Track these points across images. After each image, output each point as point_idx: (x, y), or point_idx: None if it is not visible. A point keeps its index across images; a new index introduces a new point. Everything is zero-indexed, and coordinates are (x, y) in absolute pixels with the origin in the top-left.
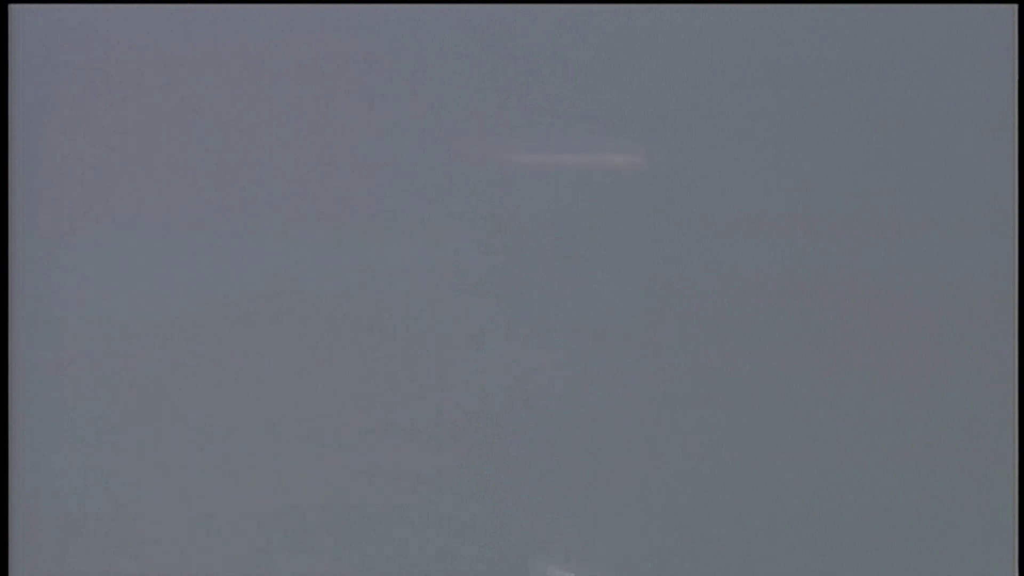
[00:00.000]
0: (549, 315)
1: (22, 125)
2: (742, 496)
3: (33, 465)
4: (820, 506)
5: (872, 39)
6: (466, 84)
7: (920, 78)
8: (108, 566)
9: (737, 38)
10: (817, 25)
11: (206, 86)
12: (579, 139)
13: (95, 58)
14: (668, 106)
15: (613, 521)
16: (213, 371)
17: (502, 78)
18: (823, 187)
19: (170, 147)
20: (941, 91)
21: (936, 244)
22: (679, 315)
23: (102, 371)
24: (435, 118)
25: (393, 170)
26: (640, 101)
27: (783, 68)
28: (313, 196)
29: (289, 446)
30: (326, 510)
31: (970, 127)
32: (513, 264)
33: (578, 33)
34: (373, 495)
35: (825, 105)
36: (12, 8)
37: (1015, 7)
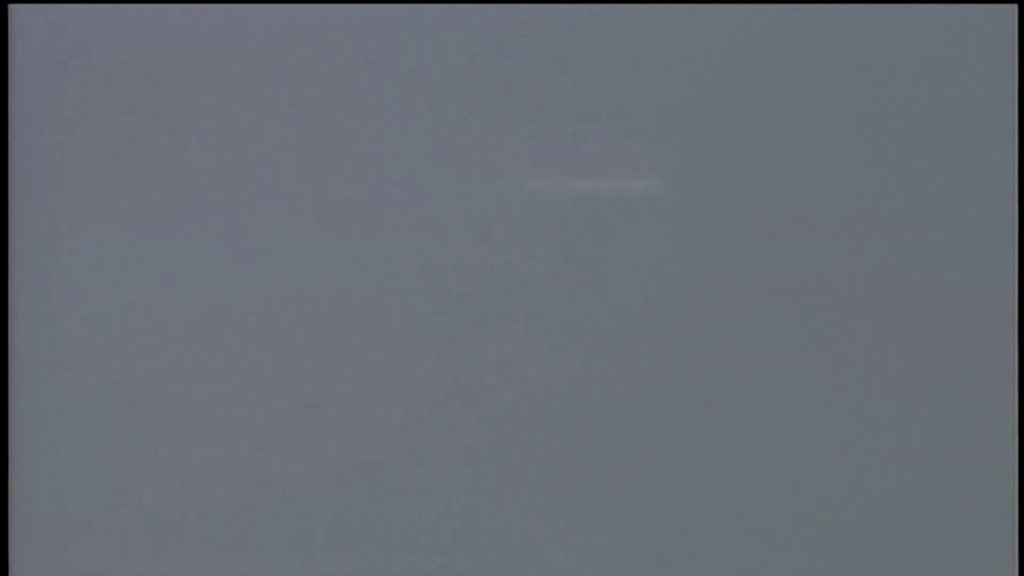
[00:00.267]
0: (549, 315)
1: (22, 125)
2: (741, 497)
3: (33, 465)
4: (820, 506)
5: (872, 39)
6: (465, 84)
7: (920, 78)
8: (108, 566)
9: (736, 38)
10: (817, 25)
11: (206, 86)
12: (578, 140)
13: (95, 58)
14: (667, 107)
15: (613, 522)
16: (213, 371)
17: (501, 78)
18: (823, 187)
19: (170, 147)
20: (941, 91)
21: (936, 244)
22: (679, 316)
23: (102, 371)
24: (434, 119)
25: (393, 171)
26: (640, 102)
27: (783, 68)
28: (313, 197)
29: (289, 446)
30: (326, 510)
31: (970, 127)
32: (513, 264)
33: (579, 32)
34: (374, 495)
35: (825, 105)
36: (12, 8)
37: (1015, 7)
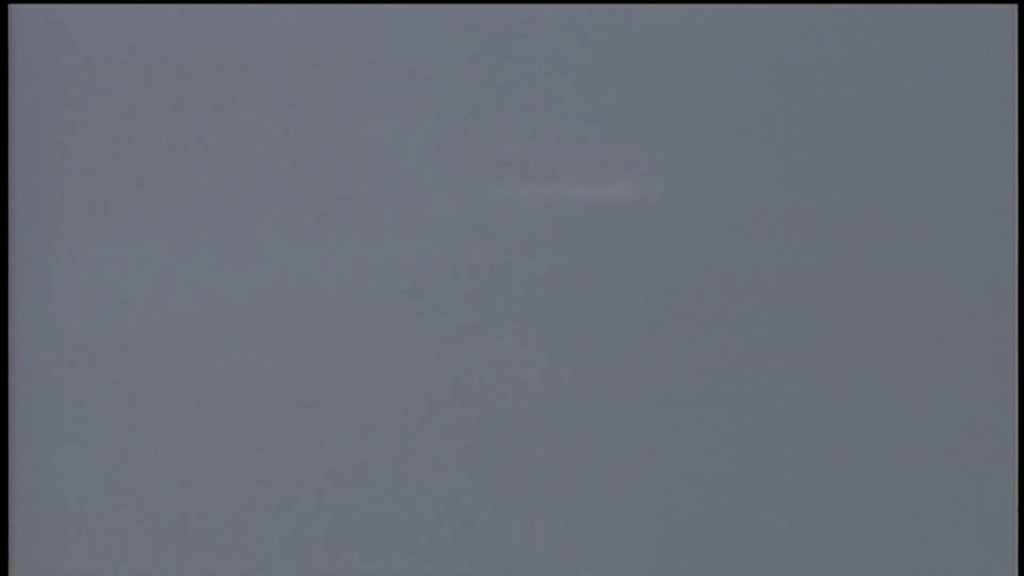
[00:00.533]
0: (547, 316)
1: (22, 125)
2: (739, 498)
3: (33, 465)
4: (820, 507)
5: (872, 39)
6: (463, 86)
7: (920, 78)
8: (108, 566)
9: (735, 38)
10: (817, 25)
11: (207, 86)
12: (577, 142)
13: (95, 58)
14: (667, 106)
15: (611, 523)
16: (213, 371)
17: (500, 79)
18: (823, 188)
19: (171, 147)
20: (941, 91)
21: (936, 244)
22: (679, 316)
23: (102, 371)
24: (431, 119)
25: (392, 172)
26: (640, 102)
27: (782, 68)
28: (314, 198)
29: (289, 446)
30: (327, 510)
31: (970, 127)
32: (512, 265)
33: (579, 32)
34: (374, 496)
35: (824, 105)
36: (12, 8)
37: (1015, 7)
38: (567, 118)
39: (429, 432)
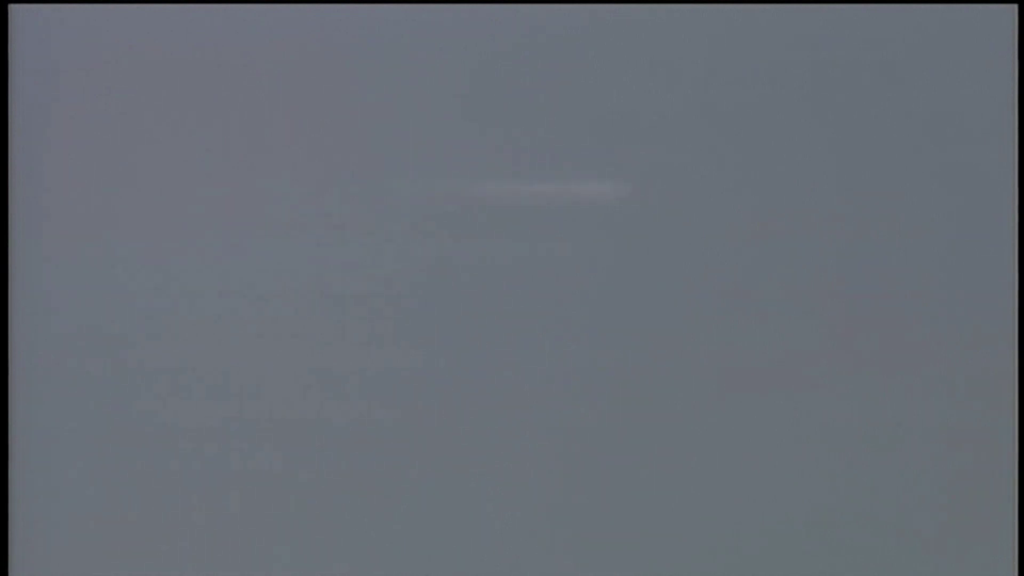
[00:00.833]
0: (546, 316)
1: (22, 125)
2: (736, 498)
3: (33, 465)
4: (819, 507)
5: (872, 39)
6: (459, 89)
7: (920, 78)
8: (108, 566)
9: (735, 38)
10: (816, 25)
11: (207, 86)
12: (574, 141)
13: (95, 58)
14: (666, 106)
15: (612, 523)
16: (213, 371)
17: (499, 79)
18: (822, 188)
19: (171, 147)
20: (941, 91)
21: (936, 245)
22: (679, 317)
23: (102, 371)
24: (426, 119)
25: (390, 172)
26: (639, 102)
27: (782, 68)
28: (313, 198)
29: (289, 446)
30: (327, 510)
31: (970, 127)
32: (510, 263)
33: (578, 32)
34: (373, 496)
35: (824, 106)
36: (12, 8)
37: (1015, 7)
38: (565, 117)
39: (427, 432)
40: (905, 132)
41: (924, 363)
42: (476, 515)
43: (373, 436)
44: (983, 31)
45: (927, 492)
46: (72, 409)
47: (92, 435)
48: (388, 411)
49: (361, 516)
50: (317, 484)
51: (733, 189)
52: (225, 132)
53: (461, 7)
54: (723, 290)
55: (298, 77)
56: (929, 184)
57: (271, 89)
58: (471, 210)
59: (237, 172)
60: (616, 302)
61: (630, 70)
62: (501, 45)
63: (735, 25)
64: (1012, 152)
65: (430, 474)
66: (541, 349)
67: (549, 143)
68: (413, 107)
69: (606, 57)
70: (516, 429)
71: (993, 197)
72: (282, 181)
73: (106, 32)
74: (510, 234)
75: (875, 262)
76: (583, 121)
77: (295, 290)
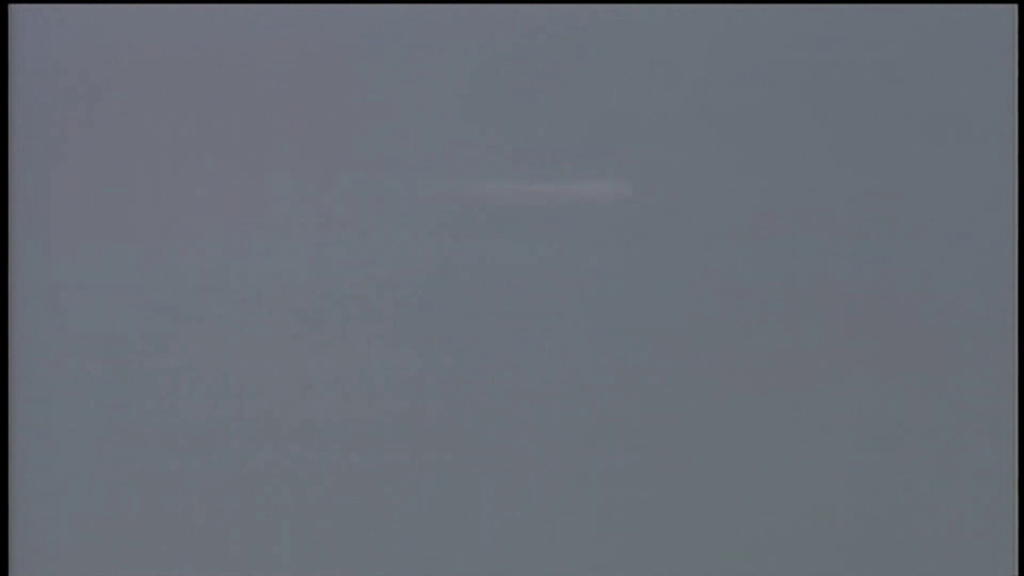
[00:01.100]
0: (546, 317)
1: (22, 125)
2: (739, 499)
3: (33, 465)
4: (819, 507)
5: (872, 39)
6: (459, 89)
7: (920, 78)
8: (108, 566)
9: (735, 38)
10: (816, 25)
11: (207, 86)
12: (571, 140)
13: (95, 58)
14: (666, 106)
15: (613, 523)
16: (214, 371)
17: (497, 82)
18: (822, 188)
19: (170, 147)
20: (941, 91)
21: (936, 245)
22: (679, 317)
23: (102, 371)
24: (423, 119)
25: (389, 172)
26: (638, 102)
27: (781, 68)
28: (315, 198)
29: (289, 447)
30: (327, 511)
31: (970, 127)
32: (507, 263)
33: (576, 31)
34: (371, 495)
35: (824, 106)
36: (12, 8)
37: (1015, 7)
38: (565, 117)
39: (427, 432)
40: (905, 132)
41: (924, 363)
42: (476, 515)
43: (373, 436)
44: (983, 31)
45: (927, 492)
46: (72, 409)
47: (92, 435)
48: (388, 411)
49: (361, 516)
50: (317, 484)
51: (733, 189)
52: (225, 132)
53: (461, 7)
54: (723, 290)
55: (298, 77)
56: (929, 184)
57: (271, 89)
58: (471, 210)
59: (237, 172)
60: (616, 302)
61: (630, 70)
62: (501, 45)
63: (735, 25)
64: (1012, 152)
65: (430, 474)
66: (541, 349)
67: (549, 143)
68: (413, 107)
69: (606, 57)
70: (516, 429)
71: (993, 197)
72: (282, 181)
73: (106, 32)
74: (510, 234)
75: (875, 262)
76: (583, 121)
77: (295, 290)
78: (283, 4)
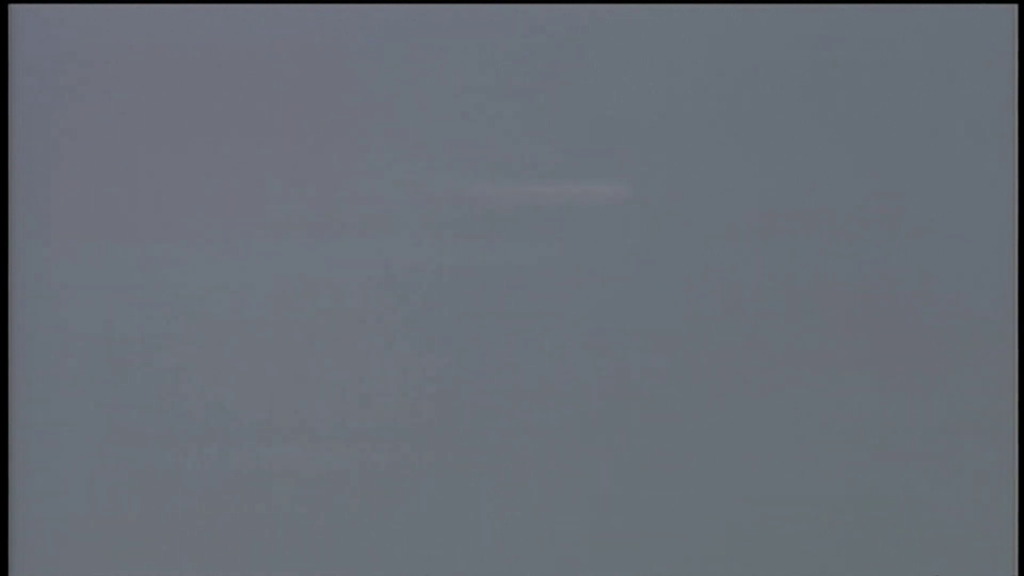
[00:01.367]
0: (546, 317)
1: (22, 125)
2: (740, 499)
3: (33, 465)
4: (819, 507)
5: (872, 39)
6: (459, 89)
7: (920, 78)
8: (108, 566)
9: (735, 38)
10: (816, 25)
11: (207, 86)
12: (576, 142)
13: (95, 58)
14: (666, 106)
15: (614, 523)
16: (213, 370)
17: (497, 82)
18: (822, 188)
19: (170, 147)
20: (941, 91)
21: (936, 245)
22: (680, 317)
23: (102, 371)
24: (421, 120)
25: (392, 173)
26: (636, 102)
27: (781, 68)
28: (315, 199)
29: (290, 447)
30: (327, 511)
31: (970, 127)
32: (511, 262)
33: (574, 31)
34: (375, 496)
35: (824, 106)
36: (12, 8)
37: (1015, 7)
38: (564, 117)
39: (427, 432)
40: (905, 132)
41: (924, 363)
42: (477, 515)
43: (373, 436)
44: (983, 31)
45: (927, 492)
46: (72, 409)
47: (92, 434)
48: (388, 411)
49: (361, 517)
50: (317, 484)
51: (733, 189)
52: (225, 132)
53: (461, 7)
54: (723, 290)
55: (298, 77)
56: (929, 184)
57: (271, 89)
58: (471, 210)
59: (237, 172)
60: (616, 302)
61: (630, 70)
62: (501, 45)
63: (735, 25)
64: (1012, 152)
65: (430, 475)
66: (541, 350)
67: (549, 143)
68: (413, 107)
69: (606, 57)
70: (516, 429)
71: (993, 197)
72: (282, 182)
73: (106, 32)
74: (510, 234)
75: (875, 262)
76: (583, 121)
77: (295, 290)
78: (283, 4)
